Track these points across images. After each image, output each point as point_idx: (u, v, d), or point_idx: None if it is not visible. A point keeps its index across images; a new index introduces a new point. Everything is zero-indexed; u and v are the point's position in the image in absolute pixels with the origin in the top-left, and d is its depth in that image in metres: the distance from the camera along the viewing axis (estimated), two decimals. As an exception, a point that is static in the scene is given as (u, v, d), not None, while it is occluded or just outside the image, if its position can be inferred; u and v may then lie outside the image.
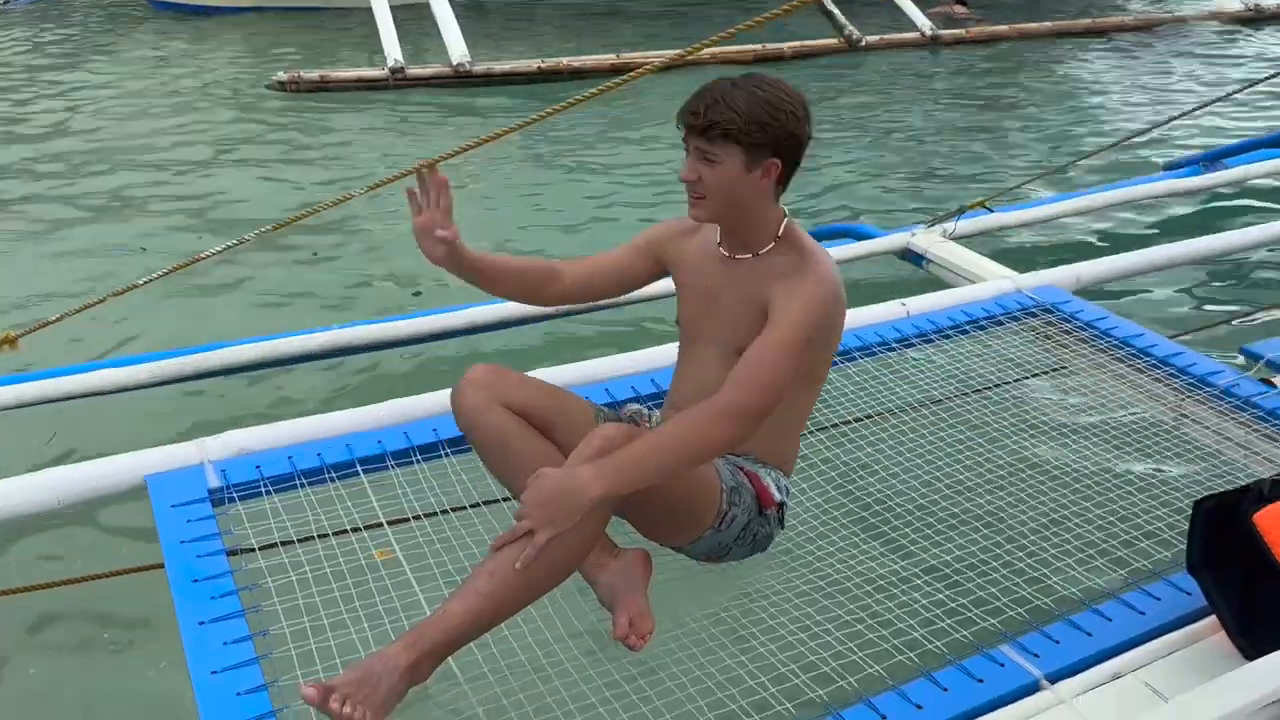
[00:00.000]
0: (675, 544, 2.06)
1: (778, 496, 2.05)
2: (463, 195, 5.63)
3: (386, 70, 8.35)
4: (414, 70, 8.40)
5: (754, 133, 1.83)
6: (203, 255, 2.78)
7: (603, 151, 6.79)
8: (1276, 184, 5.73)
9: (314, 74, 8.26)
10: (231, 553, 2.13)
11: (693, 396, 1.94)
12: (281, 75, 8.16)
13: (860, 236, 4.22)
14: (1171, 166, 5.89)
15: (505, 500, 2.35)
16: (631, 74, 2.46)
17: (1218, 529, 2.00)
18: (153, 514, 2.21)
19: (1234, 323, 3.96)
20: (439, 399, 2.62)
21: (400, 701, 1.67)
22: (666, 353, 2.90)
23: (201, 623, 1.93)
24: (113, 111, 7.42)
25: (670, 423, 1.85)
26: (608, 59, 8.86)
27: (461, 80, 8.43)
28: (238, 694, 1.78)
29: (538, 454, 1.98)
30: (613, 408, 2.47)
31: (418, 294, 4.56)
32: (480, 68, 8.54)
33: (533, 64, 8.71)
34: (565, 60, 8.82)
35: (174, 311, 4.25)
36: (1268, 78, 4.21)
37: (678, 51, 2.62)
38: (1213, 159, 5.73)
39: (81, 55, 9.09)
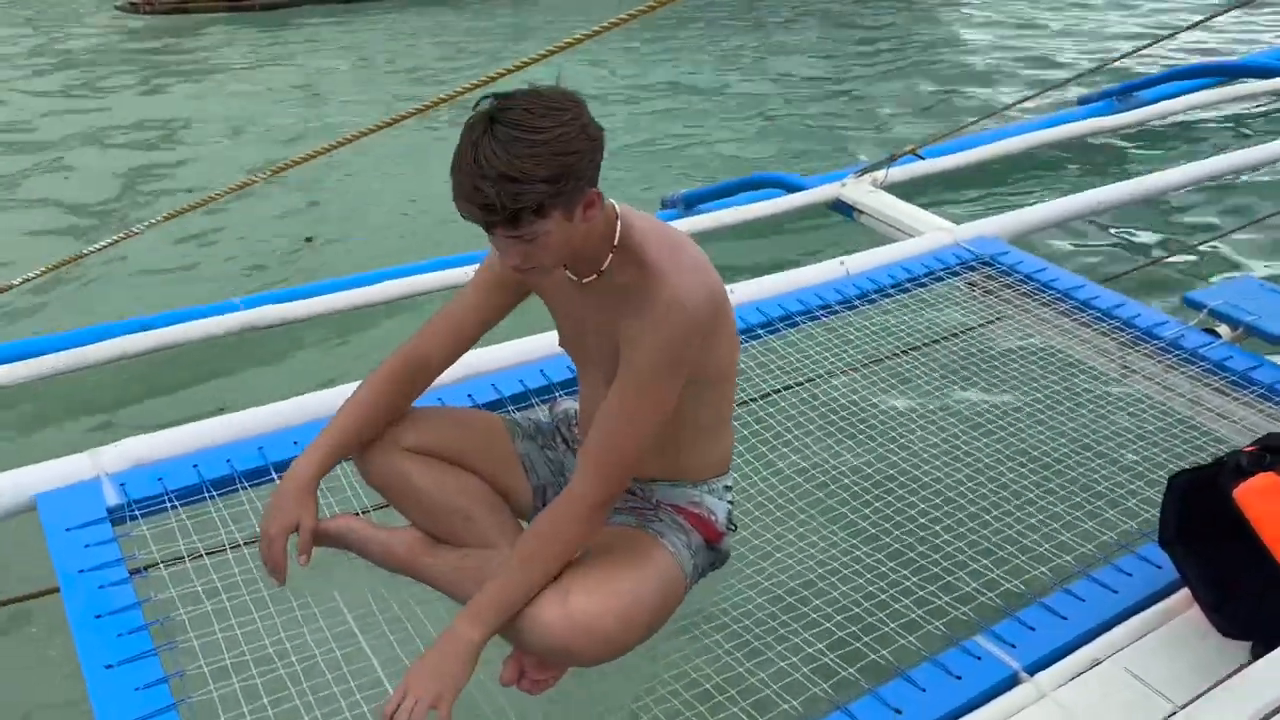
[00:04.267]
0: None
1: (723, 520, 1.85)
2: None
3: None
4: None
5: (563, 187, 1.45)
6: (84, 253, 2.47)
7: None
8: (1195, 117, 5.75)
9: (172, -8, 7.47)
10: (138, 578, 1.92)
11: (592, 417, 1.72)
12: None
13: (789, 186, 4.08)
14: (1086, 100, 5.89)
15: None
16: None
17: (1190, 503, 1.93)
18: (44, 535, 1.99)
19: (1168, 261, 3.93)
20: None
21: None
22: (548, 341, 2.64)
23: (109, 666, 1.73)
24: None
25: (528, 536, 1.66)
26: None
27: None
28: (155, 750, 1.59)
29: (450, 488, 1.82)
30: (521, 404, 2.38)
31: (310, 239, 4.40)
32: None
33: None
34: None
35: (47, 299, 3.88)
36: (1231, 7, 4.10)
37: None
38: (1125, 91, 5.73)
39: None
